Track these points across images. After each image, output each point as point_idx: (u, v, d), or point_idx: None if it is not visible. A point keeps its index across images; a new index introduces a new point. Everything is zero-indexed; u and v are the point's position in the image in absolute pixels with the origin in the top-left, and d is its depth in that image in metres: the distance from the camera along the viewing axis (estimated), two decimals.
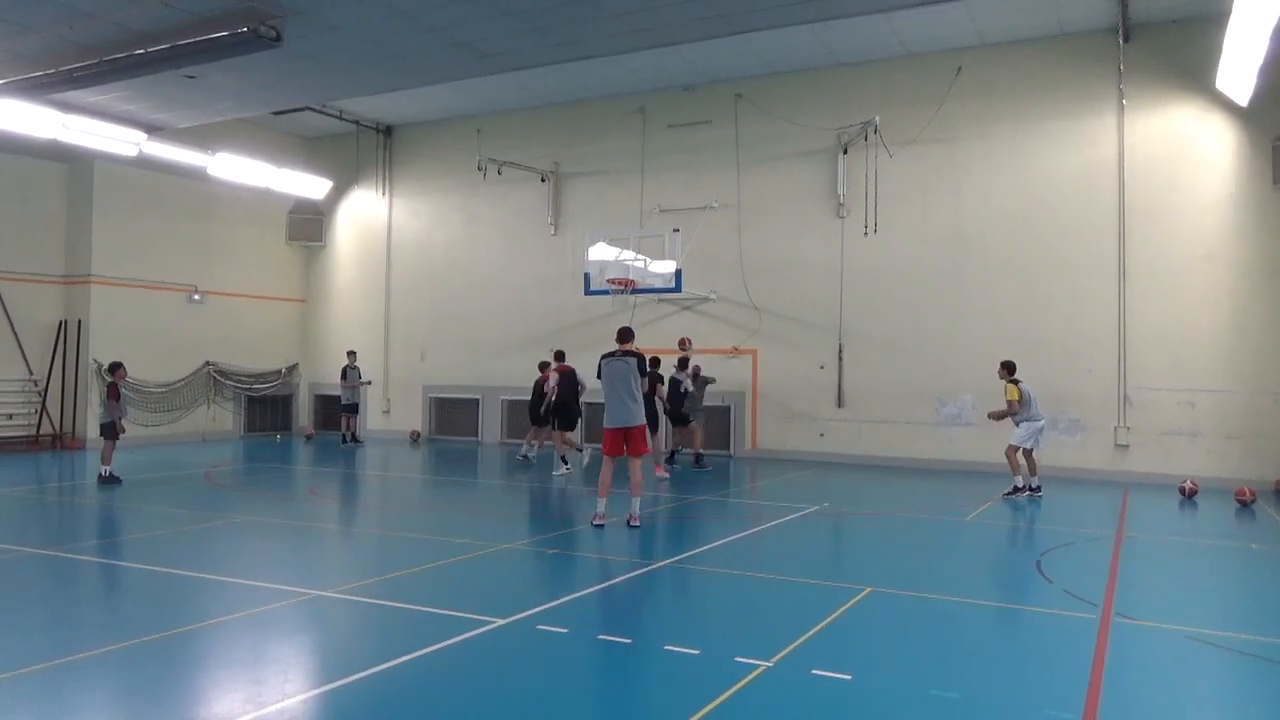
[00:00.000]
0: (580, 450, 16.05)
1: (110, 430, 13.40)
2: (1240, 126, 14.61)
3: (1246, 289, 14.57)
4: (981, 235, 16.37)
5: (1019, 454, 13.00)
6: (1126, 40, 15.23)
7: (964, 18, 15.20)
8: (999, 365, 13.40)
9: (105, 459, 13.31)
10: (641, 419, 10.06)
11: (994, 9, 14.85)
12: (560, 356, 15.98)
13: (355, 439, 20.45)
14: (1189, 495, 13.08)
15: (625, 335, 10.39)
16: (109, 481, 13.11)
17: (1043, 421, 13.23)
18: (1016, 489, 12.81)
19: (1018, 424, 12.97)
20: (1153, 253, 15.17)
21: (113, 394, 13.56)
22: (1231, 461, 14.50)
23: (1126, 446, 15.27)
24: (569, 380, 15.25)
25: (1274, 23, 10.78)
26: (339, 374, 20.71)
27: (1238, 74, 12.92)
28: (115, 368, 13.89)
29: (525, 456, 16.52)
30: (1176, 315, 14.99)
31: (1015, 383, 13.05)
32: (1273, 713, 5.08)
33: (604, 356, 10.27)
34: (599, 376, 10.27)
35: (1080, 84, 15.72)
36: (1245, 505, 12.36)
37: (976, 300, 16.37)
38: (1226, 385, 14.63)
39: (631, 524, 9.99)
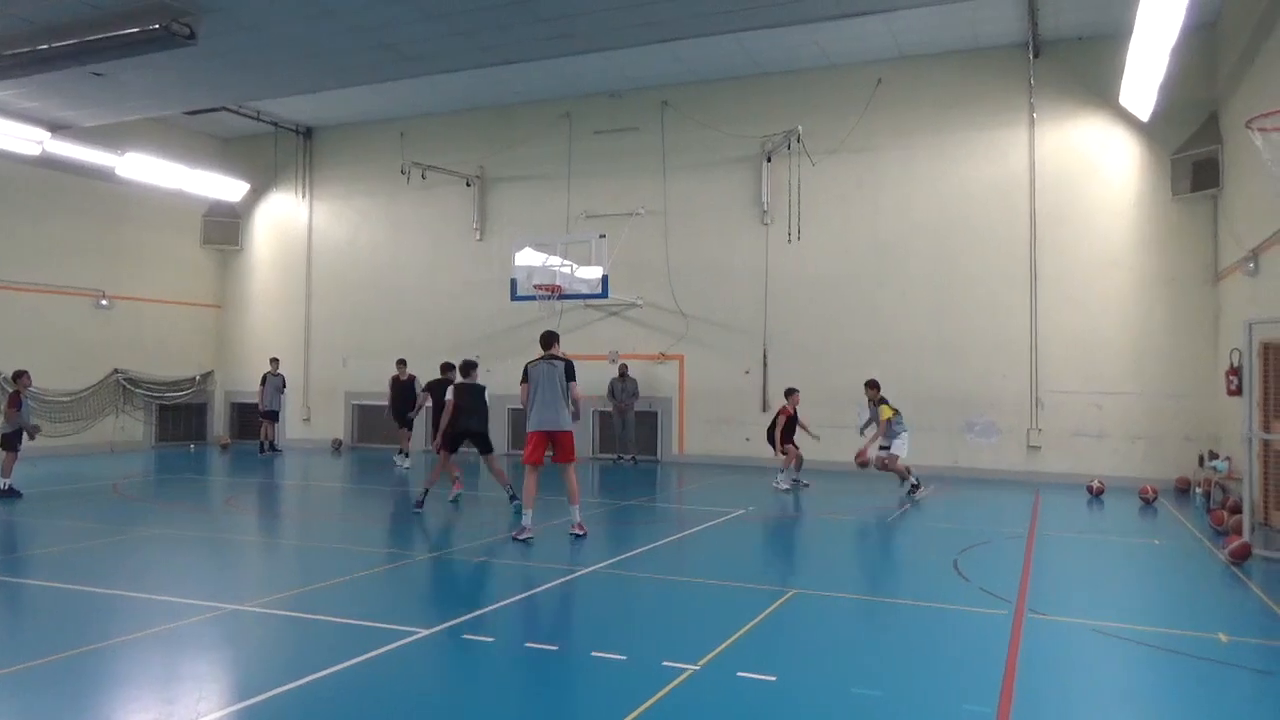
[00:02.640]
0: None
1: (12, 441, 12.80)
2: (1142, 141, 15.30)
3: (1149, 295, 15.24)
4: (900, 243, 16.79)
5: (897, 462, 13.59)
6: (1037, 56, 15.81)
7: (884, 31, 15.58)
8: (867, 385, 13.81)
9: (4, 471, 12.70)
10: (569, 424, 9.67)
11: (912, 23, 15.26)
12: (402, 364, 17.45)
13: (274, 448, 19.90)
14: (1096, 494, 13.61)
15: (550, 340, 9.98)
16: (7, 495, 12.50)
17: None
18: (915, 486, 13.50)
19: (893, 437, 13.48)
20: (1062, 261, 15.76)
21: (12, 403, 12.95)
22: (1135, 461, 15.14)
23: (1039, 448, 15.81)
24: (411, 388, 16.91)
25: (1172, 44, 11.33)
26: (259, 381, 20.10)
27: (1139, 91, 13.53)
28: (18, 375, 13.27)
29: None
30: (1084, 321, 15.60)
31: (886, 402, 13.58)
32: (1172, 700, 5.31)
33: (530, 363, 9.87)
34: (524, 382, 9.79)
35: (994, 97, 16.27)
36: (1148, 503, 12.92)
37: (896, 306, 16.77)
38: (1130, 388, 15.28)
39: (576, 534, 9.65)
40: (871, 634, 6.53)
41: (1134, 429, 15.26)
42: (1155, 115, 14.54)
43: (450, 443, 11.91)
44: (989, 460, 16.07)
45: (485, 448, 12.02)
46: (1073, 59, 15.74)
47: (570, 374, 9.70)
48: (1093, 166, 15.67)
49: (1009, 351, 16.01)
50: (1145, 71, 12.60)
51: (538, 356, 9.88)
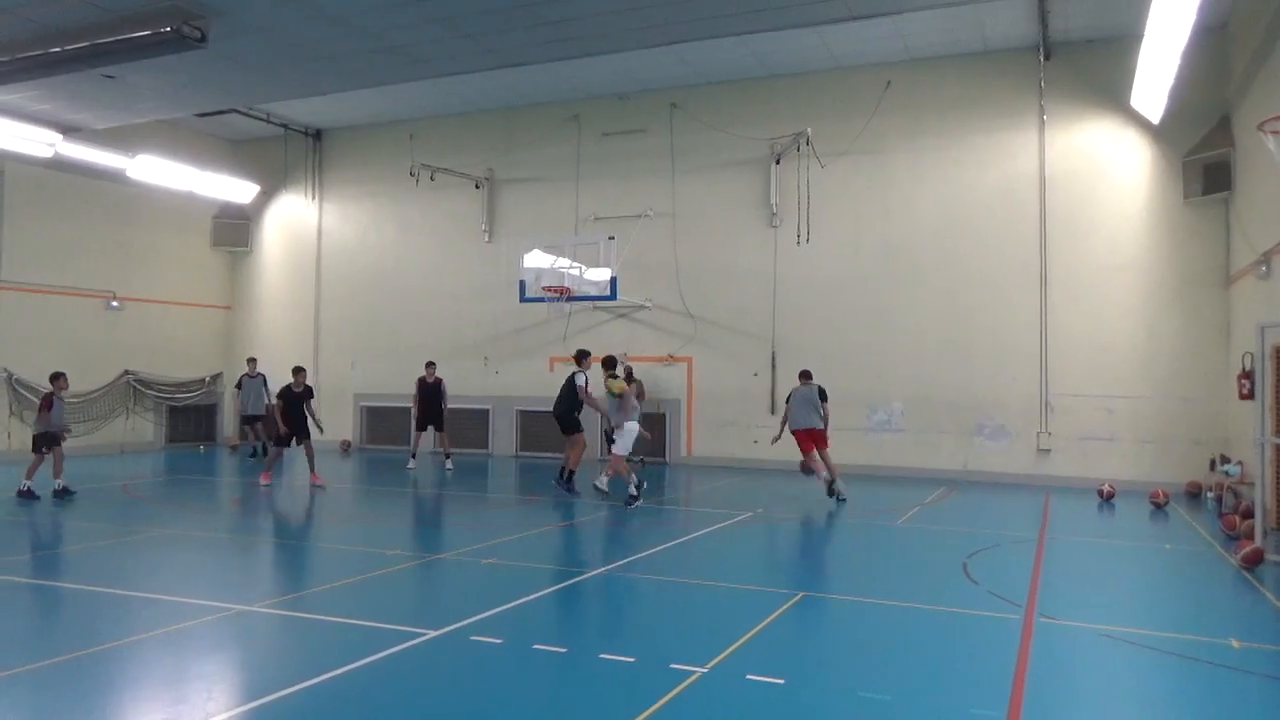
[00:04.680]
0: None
1: (41, 444, 12.72)
2: (1152, 143, 15.23)
3: (1160, 299, 15.17)
4: (910, 245, 16.75)
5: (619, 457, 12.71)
6: (1047, 58, 15.76)
7: (892, 33, 15.55)
8: (605, 360, 13.12)
9: (29, 473, 12.64)
10: (821, 424, 13.27)
11: (921, 25, 15.23)
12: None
13: (265, 450, 18.88)
14: (1107, 498, 13.54)
15: (807, 374, 13.70)
16: (27, 496, 12.48)
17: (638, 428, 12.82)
18: (634, 496, 12.25)
19: (621, 427, 12.66)
20: (1072, 263, 15.70)
21: (44, 404, 12.86)
22: (1146, 465, 15.06)
23: (1048, 451, 15.74)
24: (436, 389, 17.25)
25: (1183, 46, 11.29)
26: (235, 384, 19.50)
27: (1150, 93, 13.49)
28: (55, 378, 13.13)
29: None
30: (1095, 324, 15.53)
31: (616, 378, 12.99)
32: (1183, 706, 5.28)
33: (794, 389, 13.69)
34: (788, 402, 13.64)
35: (1003, 100, 16.22)
36: (1159, 507, 12.84)
37: (905, 308, 16.73)
38: (1141, 391, 15.20)
39: (825, 479, 13.18)
40: (880, 637, 6.50)
41: (1145, 433, 15.18)
42: (1166, 118, 14.49)
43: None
44: (998, 463, 16.01)
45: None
46: (1083, 61, 15.69)
47: (824, 395, 13.44)
48: (1103, 169, 15.61)
49: (1018, 354, 15.95)
50: (1156, 74, 12.55)
51: (799, 384, 13.61)
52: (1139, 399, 15.21)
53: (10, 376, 18.04)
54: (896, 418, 16.68)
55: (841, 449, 16.99)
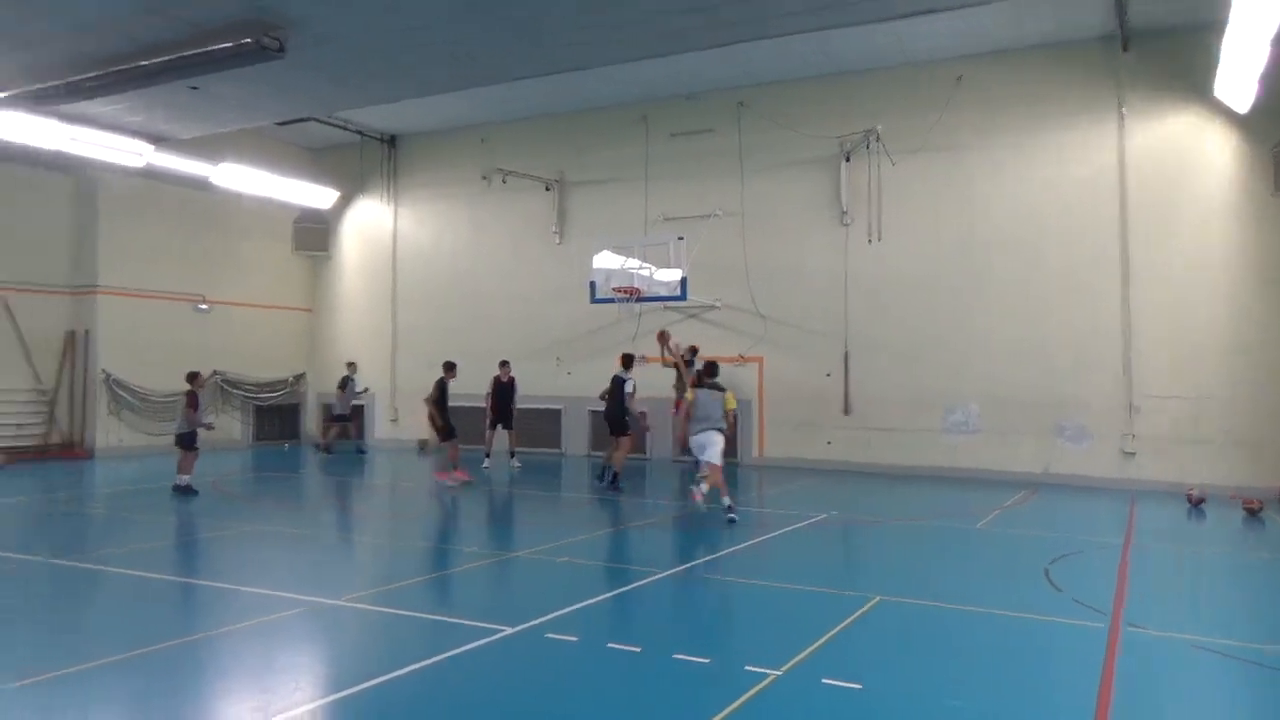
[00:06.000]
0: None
1: (188, 441, 13.26)
2: (1239, 134, 14.62)
3: (1248, 295, 14.55)
4: (985, 243, 16.38)
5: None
6: (1125, 49, 15.25)
7: (964, 26, 15.23)
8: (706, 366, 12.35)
9: (181, 469, 13.20)
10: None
11: (993, 17, 14.86)
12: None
13: (329, 450, 20.02)
14: (1196, 504, 13.04)
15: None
16: (185, 491, 13.05)
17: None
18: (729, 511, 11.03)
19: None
20: (1156, 260, 15.16)
21: (190, 403, 13.37)
22: (1238, 469, 14.44)
23: (1133, 454, 15.23)
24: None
25: (1273, 31, 10.81)
26: (339, 384, 20.54)
27: (1236, 82, 12.93)
28: (193, 376, 13.74)
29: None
30: (1181, 322, 14.97)
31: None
32: None
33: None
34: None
35: (1079, 92, 15.74)
36: (1253, 514, 12.30)
37: (981, 307, 16.37)
38: (1231, 392, 14.60)
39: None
40: (960, 644, 6.39)
41: (1235, 435, 14.55)
42: (1254, 106, 13.86)
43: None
44: (1081, 466, 15.55)
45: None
46: (1164, 51, 15.11)
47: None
48: (1186, 162, 15.02)
49: (1100, 353, 15.47)
50: (1243, 61, 12.03)
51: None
52: (1228, 399, 14.61)
53: (108, 377, 18.85)
54: (973, 418, 16.33)
55: (918, 450, 16.79)
